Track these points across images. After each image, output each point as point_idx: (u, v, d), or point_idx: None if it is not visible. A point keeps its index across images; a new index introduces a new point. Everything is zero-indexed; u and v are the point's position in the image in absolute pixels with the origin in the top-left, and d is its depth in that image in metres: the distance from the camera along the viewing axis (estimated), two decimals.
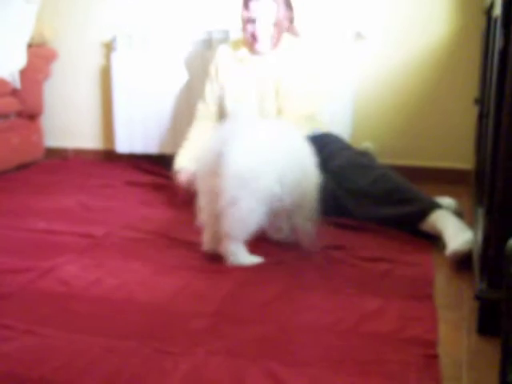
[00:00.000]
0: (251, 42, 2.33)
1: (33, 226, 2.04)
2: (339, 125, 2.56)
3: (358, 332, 1.31)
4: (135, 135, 2.94)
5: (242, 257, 1.67)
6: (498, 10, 1.41)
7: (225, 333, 1.30)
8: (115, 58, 2.92)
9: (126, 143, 2.96)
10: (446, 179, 2.62)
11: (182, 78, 2.85)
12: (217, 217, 1.64)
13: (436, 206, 1.89)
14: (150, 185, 2.60)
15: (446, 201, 2.08)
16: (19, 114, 2.99)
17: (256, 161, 1.63)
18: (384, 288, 1.54)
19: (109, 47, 3.03)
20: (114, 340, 1.27)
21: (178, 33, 2.85)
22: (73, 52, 3.15)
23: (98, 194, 2.44)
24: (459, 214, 1.96)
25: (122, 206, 2.29)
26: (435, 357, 1.19)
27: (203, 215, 1.70)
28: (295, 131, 1.81)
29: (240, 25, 2.36)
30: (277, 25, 2.29)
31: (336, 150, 2.20)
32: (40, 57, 3.05)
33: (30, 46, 2.99)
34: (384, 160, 2.41)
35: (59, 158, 3.20)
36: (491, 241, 1.27)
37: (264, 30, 2.28)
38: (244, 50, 2.38)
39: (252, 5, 2.28)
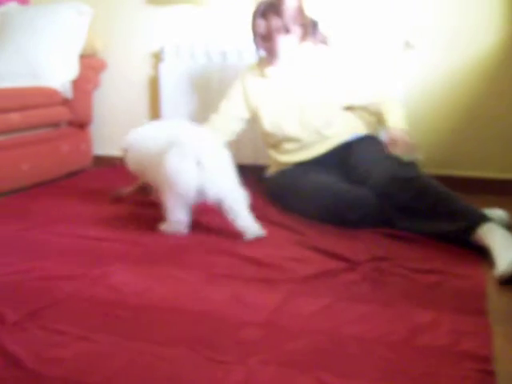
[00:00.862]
0: (270, 58, 2.35)
1: (83, 233, 2.07)
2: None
3: (409, 345, 1.29)
4: None
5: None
6: None
7: (276, 343, 1.29)
8: (163, 68, 2.96)
9: None
10: (496, 190, 2.57)
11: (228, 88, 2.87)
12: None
13: (485, 219, 1.82)
14: None
15: (497, 213, 2.02)
16: (69, 123, 3.06)
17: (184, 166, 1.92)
18: (435, 300, 1.51)
19: (157, 57, 3.08)
20: (165, 347, 1.28)
21: (225, 42, 2.87)
22: (122, 62, 3.21)
23: (145, 201, 2.47)
24: (511, 227, 1.92)
25: None
26: (491, 372, 1.16)
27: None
28: (215, 141, 2.05)
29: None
30: (293, 33, 2.30)
31: (376, 160, 2.15)
32: (90, 67, 3.12)
33: (80, 56, 3.06)
34: (431, 170, 2.37)
35: (107, 166, 3.25)
36: None
37: (281, 44, 2.30)
38: (270, 68, 2.39)
39: (260, 22, 2.31)
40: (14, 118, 2.67)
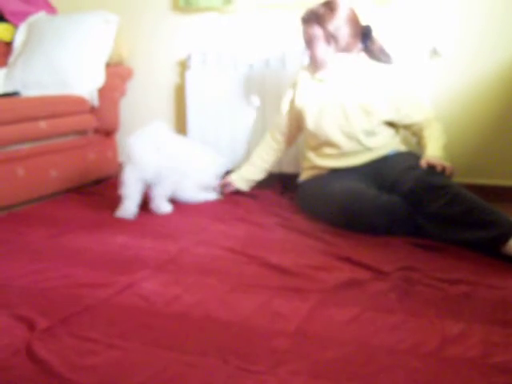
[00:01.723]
0: (311, 64, 2.37)
1: (111, 241, 2.09)
2: (413, 142, 2.54)
3: (440, 356, 1.28)
4: None
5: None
6: None
7: (306, 353, 1.29)
8: (190, 77, 2.97)
9: None
10: None
11: (256, 97, 2.88)
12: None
13: None
14: (220, 201, 2.64)
15: None
16: (96, 131, 3.09)
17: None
18: (465, 311, 1.50)
19: (183, 65, 3.10)
20: (195, 356, 1.28)
21: (252, 51, 2.88)
22: (148, 70, 3.24)
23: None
24: None
25: (194, 221, 2.33)
26: None
27: None
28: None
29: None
30: (335, 43, 2.31)
31: (408, 168, 2.15)
32: (117, 75, 3.15)
33: (107, 64, 3.09)
34: (458, 179, 2.35)
35: None
36: None
37: (320, 53, 2.32)
38: (319, 71, 2.41)
39: (303, 28, 2.34)
40: (43, 126, 2.70)
